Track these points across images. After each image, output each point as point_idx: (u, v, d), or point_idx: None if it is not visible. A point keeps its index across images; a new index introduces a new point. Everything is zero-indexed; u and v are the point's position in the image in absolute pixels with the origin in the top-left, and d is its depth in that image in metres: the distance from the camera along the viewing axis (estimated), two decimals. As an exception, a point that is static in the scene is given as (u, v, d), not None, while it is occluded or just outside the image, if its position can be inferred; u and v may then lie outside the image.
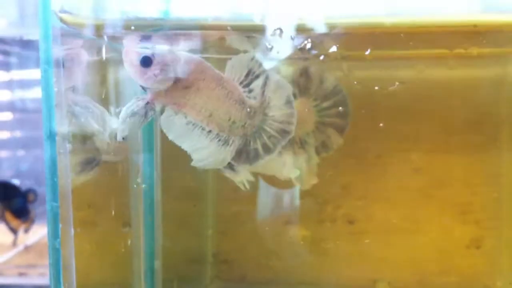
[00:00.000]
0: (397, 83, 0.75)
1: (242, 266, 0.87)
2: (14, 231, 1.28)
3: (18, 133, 1.60)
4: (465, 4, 0.69)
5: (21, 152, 1.58)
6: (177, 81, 0.57)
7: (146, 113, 0.58)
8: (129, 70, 0.56)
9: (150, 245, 0.62)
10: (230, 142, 0.60)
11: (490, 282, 0.83)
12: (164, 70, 0.56)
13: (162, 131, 0.61)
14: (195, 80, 0.57)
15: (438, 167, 0.82)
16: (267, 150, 0.62)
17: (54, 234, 0.48)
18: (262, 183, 0.85)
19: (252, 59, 0.59)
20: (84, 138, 0.59)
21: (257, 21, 0.63)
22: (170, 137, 0.59)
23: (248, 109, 0.60)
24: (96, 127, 0.59)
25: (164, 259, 0.77)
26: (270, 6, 0.62)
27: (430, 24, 0.65)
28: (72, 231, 0.51)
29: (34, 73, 1.51)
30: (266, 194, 0.85)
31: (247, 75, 0.59)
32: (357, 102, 0.78)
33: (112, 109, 0.63)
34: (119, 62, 0.58)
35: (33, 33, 1.29)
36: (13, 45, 1.37)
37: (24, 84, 1.57)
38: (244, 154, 0.61)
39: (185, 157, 0.74)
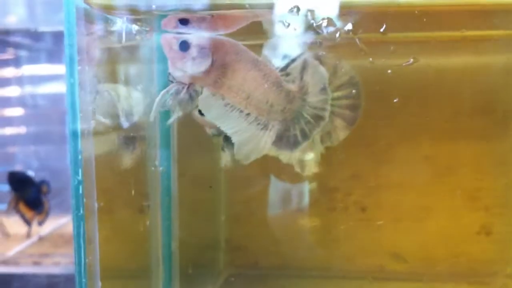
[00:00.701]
0: (411, 59, 0.74)
1: (254, 252, 0.88)
2: (28, 222, 1.29)
3: (29, 128, 1.62)
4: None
5: (32, 148, 1.60)
6: (214, 63, 0.58)
7: (191, 96, 0.59)
8: (168, 55, 0.57)
9: (168, 226, 0.64)
10: (270, 126, 0.60)
11: (500, 269, 0.83)
12: (201, 53, 0.57)
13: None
14: (231, 61, 0.58)
15: (448, 154, 0.83)
16: (304, 136, 0.63)
17: (77, 206, 0.49)
18: (274, 170, 0.86)
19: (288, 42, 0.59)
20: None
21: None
22: (209, 117, 0.60)
23: (286, 93, 0.60)
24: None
25: (180, 245, 0.78)
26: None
27: (442, 3, 0.66)
28: (96, 205, 0.52)
29: (46, 69, 1.53)
30: (277, 182, 0.86)
31: (284, 58, 0.60)
32: (367, 90, 0.78)
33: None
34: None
35: (44, 27, 1.31)
36: (25, 38, 1.39)
37: (35, 80, 1.58)
38: (285, 139, 0.62)
39: (201, 143, 0.75)
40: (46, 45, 1.38)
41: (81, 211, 0.50)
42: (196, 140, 0.72)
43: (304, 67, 0.60)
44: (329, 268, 0.87)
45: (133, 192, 0.62)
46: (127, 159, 0.63)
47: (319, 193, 0.86)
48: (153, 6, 0.60)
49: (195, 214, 0.82)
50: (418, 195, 0.84)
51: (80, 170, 0.51)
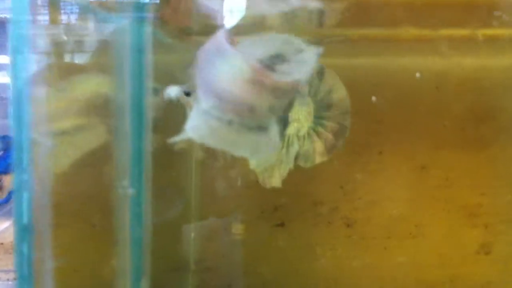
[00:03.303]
0: (418, 74, 0.68)
1: (227, 274, 0.78)
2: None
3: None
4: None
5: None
6: None
7: None
8: None
9: (137, 268, 0.51)
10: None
11: (500, 292, 0.77)
12: None
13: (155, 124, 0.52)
14: None
15: (445, 164, 0.76)
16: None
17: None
18: (249, 181, 0.77)
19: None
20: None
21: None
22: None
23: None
24: None
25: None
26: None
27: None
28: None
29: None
30: (253, 194, 0.77)
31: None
32: (359, 92, 0.71)
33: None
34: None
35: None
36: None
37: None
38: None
39: (169, 153, 0.65)
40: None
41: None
42: (165, 148, 0.61)
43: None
44: (312, 291, 0.78)
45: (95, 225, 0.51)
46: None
47: (302, 207, 0.77)
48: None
49: (165, 232, 0.72)
50: (411, 209, 0.77)
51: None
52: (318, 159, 0.66)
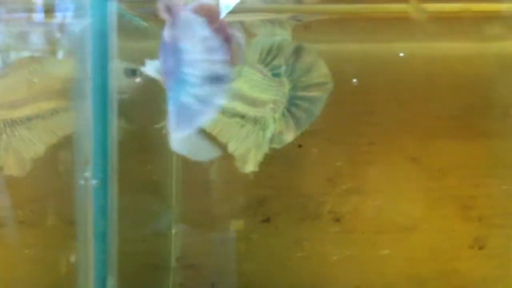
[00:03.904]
0: (402, 54, 0.65)
1: (211, 272, 0.75)
2: None
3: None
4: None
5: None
6: None
7: None
8: None
9: (103, 261, 0.47)
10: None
11: (494, 288, 0.74)
12: None
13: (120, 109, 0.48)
14: None
15: (437, 155, 0.73)
16: None
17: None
18: (235, 174, 0.73)
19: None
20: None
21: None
22: None
23: None
24: None
25: (119, 265, 0.63)
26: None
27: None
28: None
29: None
30: (237, 188, 0.74)
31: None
32: (347, 79, 0.68)
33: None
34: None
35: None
36: None
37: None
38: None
39: (145, 142, 0.62)
40: None
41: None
42: (141, 139, 0.58)
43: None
44: (299, 288, 0.75)
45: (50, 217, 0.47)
46: None
47: (288, 201, 0.74)
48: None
49: (137, 226, 0.68)
50: (403, 203, 0.74)
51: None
52: (289, 138, 0.64)
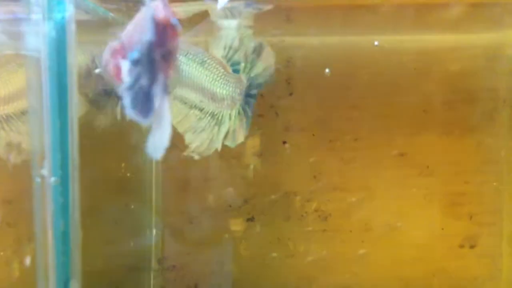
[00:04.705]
0: (376, 43, 0.63)
1: (194, 273, 0.72)
2: None
3: None
4: None
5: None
6: None
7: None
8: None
9: (64, 263, 0.44)
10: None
11: None
12: None
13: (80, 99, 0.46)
14: None
15: (425, 150, 0.71)
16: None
17: None
18: (217, 171, 0.71)
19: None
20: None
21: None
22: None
23: None
24: None
25: (93, 267, 0.61)
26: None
27: None
28: None
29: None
30: (219, 186, 0.71)
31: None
32: (330, 73, 0.66)
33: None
34: None
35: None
36: None
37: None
38: None
39: (117, 139, 0.60)
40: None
41: None
42: (115, 134, 0.56)
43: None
44: (285, 289, 0.73)
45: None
46: None
47: (273, 199, 0.72)
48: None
49: (114, 228, 0.65)
50: (390, 200, 0.72)
51: None
52: (240, 139, 0.63)
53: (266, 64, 0.62)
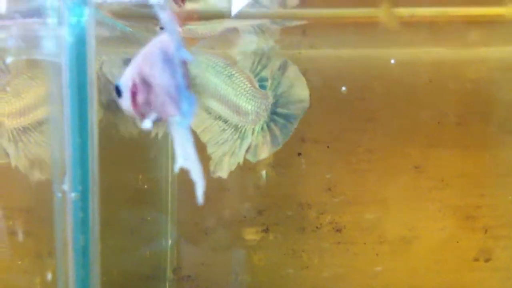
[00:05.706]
0: (392, 61, 0.63)
1: (208, 283, 0.73)
2: None
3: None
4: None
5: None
6: None
7: None
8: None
9: (84, 278, 0.45)
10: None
11: (501, 302, 0.72)
12: None
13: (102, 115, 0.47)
14: None
15: (440, 163, 0.71)
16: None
17: None
18: (232, 182, 0.72)
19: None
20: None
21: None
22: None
23: None
24: None
25: (109, 276, 0.62)
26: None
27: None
28: None
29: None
30: (235, 197, 0.72)
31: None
32: (344, 86, 0.67)
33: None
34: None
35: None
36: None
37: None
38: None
39: (135, 151, 0.61)
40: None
41: None
42: (127, 145, 0.56)
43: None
44: (299, 300, 0.73)
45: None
46: None
47: (288, 211, 0.72)
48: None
49: (131, 238, 0.66)
50: (405, 213, 0.72)
51: None
52: (263, 156, 0.64)
53: (290, 81, 0.63)
